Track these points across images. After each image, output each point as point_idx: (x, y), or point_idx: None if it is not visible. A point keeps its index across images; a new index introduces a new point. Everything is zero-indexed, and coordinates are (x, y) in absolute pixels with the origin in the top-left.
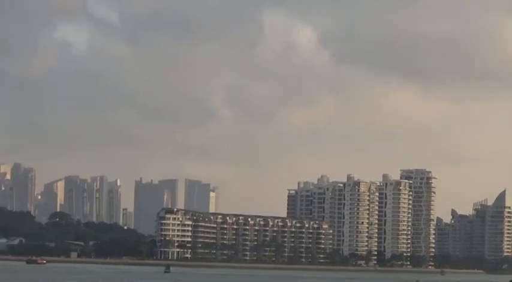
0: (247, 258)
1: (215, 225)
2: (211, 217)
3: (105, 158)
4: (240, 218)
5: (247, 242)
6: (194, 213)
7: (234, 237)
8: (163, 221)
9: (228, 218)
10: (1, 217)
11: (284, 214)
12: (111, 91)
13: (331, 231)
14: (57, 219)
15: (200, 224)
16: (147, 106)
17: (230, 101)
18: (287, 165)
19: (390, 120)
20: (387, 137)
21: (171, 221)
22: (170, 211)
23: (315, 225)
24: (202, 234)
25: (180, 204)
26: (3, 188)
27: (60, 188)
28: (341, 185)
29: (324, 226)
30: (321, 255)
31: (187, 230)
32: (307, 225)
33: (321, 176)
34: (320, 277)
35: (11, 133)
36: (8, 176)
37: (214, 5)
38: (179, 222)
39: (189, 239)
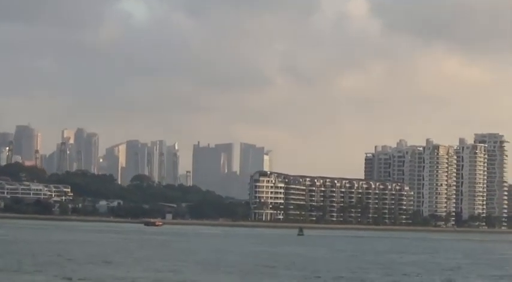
0: (334, 219)
1: (304, 188)
2: (300, 180)
3: (164, 123)
4: (327, 180)
5: (334, 204)
6: (286, 176)
7: (321, 199)
8: (257, 184)
9: (315, 180)
10: (86, 180)
11: (338, 175)
12: (171, 59)
13: (412, 193)
14: (139, 182)
15: (291, 186)
16: (205, 73)
17: (285, 68)
18: (338, 129)
19: (441, 86)
20: (435, 102)
21: (264, 184)
22: (264, 174)
23: (397, 187)
24: (294, 196)
25: (236, 166)
26: (68, 152)
27: (121, 151)
28: (420, 148)
29: (405, 188)
30: (403, 216)
31: (280, 192)
32: (389, 187)
33: (400, 140)
34: (419, 238)
35: (74, 99)
36: (72, 141)
37: None
38: (272, 185)
39: (282, 201)
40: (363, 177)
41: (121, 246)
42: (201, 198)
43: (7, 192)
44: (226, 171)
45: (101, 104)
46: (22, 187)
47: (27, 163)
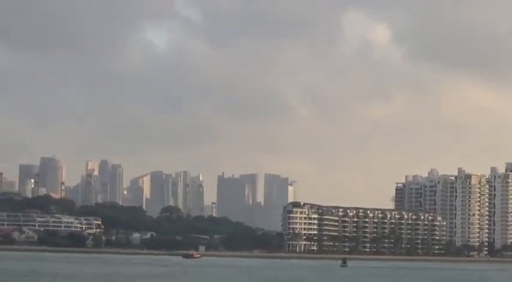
0: (367, 249)
1: (337, 218)
2: (333, 210)
3: (188, 154)
4: (360, 211)
5: (367, 234)
6: (319, 207)
7: (354, 229)
8: (291, 215)
9: (348, 211)
10: (116, 212)
11: (364, 205)
12: (194, 89)
13: (444, 223)
14: (168, 214)
15: (325, 217)
16: (228, 103)
17: (308, 97)
18: (363, 159)
19: (465, 114)
20: (461, 130)
21: (298, 215)
22: (297, 205)
23: (430, 218)
24: (327, 227)
25: (260, 197)
26: (93, 184)
27: (146, 182)
28: (452, 178)
29: (438, 218)
30: (436, 247)
31: (314, 223)
32: (422, 218)
33: (431, 170)
34: (451, 268)
35: (98, 130)
36: (96, 172)
37: (294, 3)
38: (305, 216)
39: (315, 232)
40: (390, 207)
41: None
42: (231, 230)
43: (38, 225)
44: (250, 202)
45: (124, 135)
46: (53, 219)
47: (52, 195)
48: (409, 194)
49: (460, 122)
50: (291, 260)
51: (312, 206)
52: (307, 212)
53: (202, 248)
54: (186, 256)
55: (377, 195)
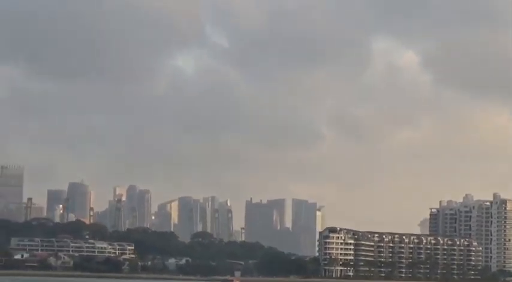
0: (403, 275)
1: (373, 244)
2: (369, 235)
3: (215, 179)
4: (396, 236)
5: (402, 260)
6: (355, 232)
7: (390, 255)
8: (327, 240)
9: (384, 236)
10: (148, 237)
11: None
12: (221, 114)
13: (480, 248)
14: (200, 239)
15: (361, 242)
16: (255, 128)
17: (335, 122)
18: (390, 184)
19: (494, 140)
20: (491, 155)
21: (334, 240)
22: (333, 230)
23: (465, 243)
24: (363, 252)
25: (288, 222)
26: (121, 209)
27: (174, 208)
28: (488, 203)
29: (473, 243)
30: (472, 272)
31: (350, 249)
32: (458, 243)
33: (466, 195)
34: None
35: (125, 156)
36: (124, 197)
37: (322, 29)
38: (342, 241)
39: (351, 258)
40: (418, 232)
41: None
42: (264, 255)
43: (72, 250)
44: (278, 227)
45: (151, 160)
46: (87, 245)
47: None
48: (444, 219)
49: (489, 147)
50: None
51: (348, 231)
52: (343, 237)
53: (237, 274)
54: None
55: (405, 220)
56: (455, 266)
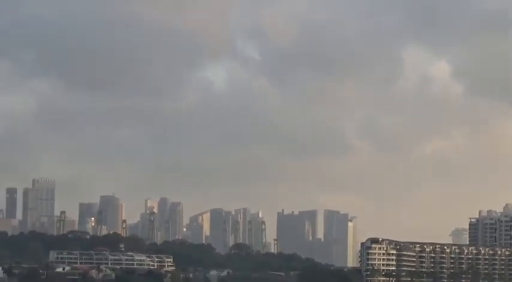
0: None
1: (414, 254)
2: (410, 246)
3: (246, 191)
4: (437, 246)
5: (444, 270)
6: (397, 243)
7: (432, 265)
8: (369, 251)
9: (425, 246)
10: (185, 250)
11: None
12: (252, 126)
13: None
14: (237, 251)
15: (403, 252)
16: (286, 140)
17: (366, 132)
18: (421, 194)
19: None
20: None
21: (376, 251)
22: (375, 241)
23: (507, 252)
24: (405, 263)
25: (320, 233)
26: (154, 221)
27: (205, 220)
28: None
29: None
30: None
31: (392, 259)
32: (499, 253)
33: (506, 205)
34: None
35: (156, 169)
36: (155, 210)
37: (353, 40)
38: (384, 252)
39: (393, 268)
40: (449, 242)
41: None
42: (302, 266)
43: (111, 263)
44: (310, 238)
45: (182, 173)
46: (126, 258)
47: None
48: (484, 229)
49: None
50: None
51: (390, 242)
52: (385, 248)
53: None
54: None
55: (437, 231)
56: (497, 276)
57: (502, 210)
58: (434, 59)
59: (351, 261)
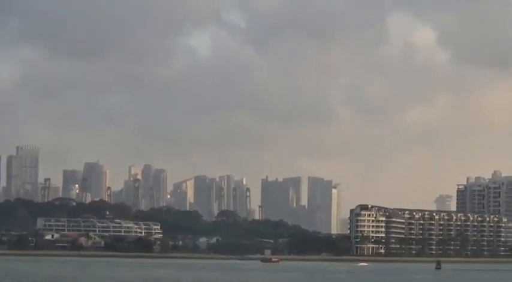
0: (434, 252)
1: (403, 221)
2: (399, 213)
3: (230, 158)
4: (426, 213)
5: (433, 237)
6: (386, 210)
7: (420, 232)
8: (358, 218)
9: (414, 213)
10: (172, 217)
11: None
12: (236, 93)
13: (510, 224)
14: (225, 218)
15: (392, 219)
16: (270, 107)
17: (350, 99)
18: (405, 161)
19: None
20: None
21: (366, 218)
22: (365, 208)
23: (495, 219)
24: (395, 230)
25: (304, 200)
26: (138, 187)
27: (189, 187)
28: None
29: (503, 220)
30: (501, 248)
31: (381, 226)
32: (488, 219)
33: (494, 171)
34: None
35: (140, 136)
36: (139, 177)
37: (338, 7)
38: (373, 219)
39: (383, 235)
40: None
41: None
42: (290, 233)
43: (98, 230)
44: (294, 205)
45: (166, 140)
46: (113, 225)
47: (96, 200)
48: (472, 196)
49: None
50: (360, 263)
51: (379, 208)
52: (374, 215)
53: (268, 252)
54: (264, 260)
55: (420, 197)
56: (485, 243)
57: (490, 177)
58: (419, 25)
59: (335, 228)
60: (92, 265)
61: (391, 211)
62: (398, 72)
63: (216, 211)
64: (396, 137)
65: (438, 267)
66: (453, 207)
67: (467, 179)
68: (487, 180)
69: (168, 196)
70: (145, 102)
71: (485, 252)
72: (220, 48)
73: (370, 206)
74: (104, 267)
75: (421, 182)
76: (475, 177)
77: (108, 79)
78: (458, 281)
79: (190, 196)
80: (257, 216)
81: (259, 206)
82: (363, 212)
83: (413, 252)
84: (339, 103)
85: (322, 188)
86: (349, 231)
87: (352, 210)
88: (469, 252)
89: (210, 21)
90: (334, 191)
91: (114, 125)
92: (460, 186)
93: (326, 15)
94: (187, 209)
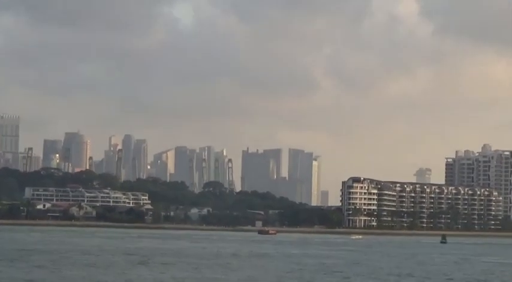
0: (425, 225)
1: (395, 194)
2: (391, 185)
3: (211, 129)
4: (417, 186)
5: (424, 210)
6: (378, 182)
7: (412, 205)
8: (351, 190)
9: (405, 186)
10: (159, 187)
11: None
12: (218, 64)
13: (500, 198)
14: (211, 189)
15: (384, 192)
16: (252, 77)
17: (332, 71)
18: (385, 134)
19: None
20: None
21: (358, 190)
22: (357, 180)
23: (486, 193)
24: (386, 203)
25: (285, 172)
26: (116, 158)
27: (170, 158)
28: (507, 153)
29: (494, 193)
30: (492, 222)
31: (373, 199)
32: (478, 193)
33: (484, 145)
34: None
35: (120, 105)
36: (120, 147)
37: None
38: (365, 191)
39: (375, 208)
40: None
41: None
42: (277, 205)
43: (87, 200)
44: (275, 176)
45: (146, 110)
46: (102, 195)
47: (77, 170)
48: (460, 169)
49: (485, 97)
50: (353, 235)
51: (371, 181)
52: (366, 187)
53: (259, 224)
54: (261, 232)
55: (400, 169)
56: (475, 216)
57: (479, 150)
58: None
59: (315, 199)
60: (97, 236)
61: (382, 184)
62: (380, 43)
63: (197, 182)
64: (377, 109)
65: (443, 241)
66: (433, 180)
67: (456, 152)
68: (477, 154)
69: (149, 167)
70: (127, 72)
71: (475, 226)
72: (203, 18)
73: (362, 178)
74: (123, 238)
75: (401, 154)
76: (464, 151)
77: (89, 48)
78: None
79: (170, 167)
80: (238, 188)
81: (242, 178)
82: (355, 185)
83: (405, 225)
84: (321, 74)
85: (302, 160)
86: (340, 203)
87: (344, 182)
88: (459, 226)
89: None
90: (314, 163)
91: (95, 94)
92: (449, 160)
93: None
94: (167, 180)
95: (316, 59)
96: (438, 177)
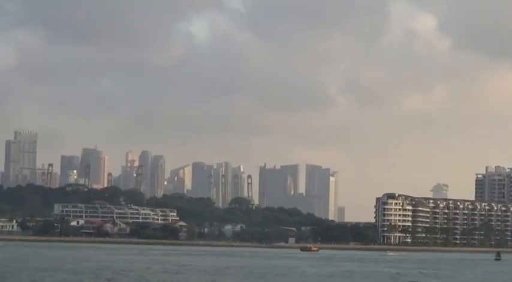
0: (458, 241)
1: (429, 210)
2: (424, 201)
3: (229, 145)
4: (450, 202)
5: (457, 226)
6: (412, 198)
7: (445, 221)
8: (385, 207)
9: (439, 202)
10: (185, 203)
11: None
12: (234, 80)
13: None
14: (237, 205)
15: (419, 208)
16: (268, 93)
17: (349, 87)
18: (403, 149)
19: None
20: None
21: (393, 206)
22: (392, 196)
23: None
24: (420, 219)
25: (302, 188)
26: (134, 175)
27: (187, 174)
28: None
29: None
30: None
31: (408, 215)
32: (511, 209)
33: None
34: None
35: (137, 122)
36: (137, 164)
37: None
38: (400, 207)
39: (409, 224)
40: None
41: None
42: (305, 221)
43: (116, 217)
44: (292, 192)
45: (164, 126)
46: (131, 211)
47: (95, 185)
48: (491, 185)
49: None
50: (389, 252)
51: (406, 197)
52: (401, 203)
53: (292, 240)
54: (303, 249)
55: (417, 186)
56: (509, 233)
57: (510, 166)
58: (420, 12)
59: (332, 215)
60: (144, 253)
61: (416, 200)
62: (398, 59)
63: (215, 198)
64: (394, 125)
65: (498, 258)
66: (450, 195)
67: (486, 168)
68: (508, 170)
69: (165, 183)
70: (143, 88)
71: (509, 242)
72: (219, 34)
73: (397, 194)
74: (163, 255)
75: (417, 170)
76: (495, 167)
77: (106, 64)
78: None
79: (187, 183)
80: (257, 204)
81: (260, 193)
82: (389, 201)
83: (438, 241)
84: (338, 90)
85: (319, 176)
86: (374, 219)
87: (378, 199)
88: (493, 242)
89: (209, 5)
90: (331, 178)
91: (112, 110)
92: (479, 176)
93: (327, 2)
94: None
95: (333, 74)
96: (455, 192)
